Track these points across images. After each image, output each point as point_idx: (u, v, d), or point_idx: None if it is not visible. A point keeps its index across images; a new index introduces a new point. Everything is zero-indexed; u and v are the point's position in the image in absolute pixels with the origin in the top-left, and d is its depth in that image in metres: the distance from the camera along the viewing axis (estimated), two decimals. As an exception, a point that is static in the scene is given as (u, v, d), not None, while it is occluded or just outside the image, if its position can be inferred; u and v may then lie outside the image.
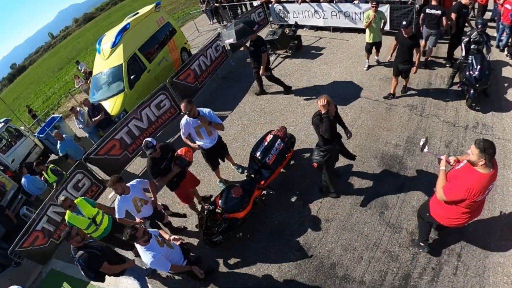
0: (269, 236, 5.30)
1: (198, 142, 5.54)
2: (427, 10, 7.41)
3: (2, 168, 10.16)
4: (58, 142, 8.36)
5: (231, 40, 7.76)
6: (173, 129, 8.73)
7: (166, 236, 4.36)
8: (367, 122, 6.76)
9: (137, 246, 3.98)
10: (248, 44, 7.95)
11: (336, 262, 4.67)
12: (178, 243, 4.38)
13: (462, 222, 3.60)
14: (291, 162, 6.32)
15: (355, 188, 5.57)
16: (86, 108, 8.51)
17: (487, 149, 2.96)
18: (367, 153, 6.10)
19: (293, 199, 5.74)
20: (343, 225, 5.09)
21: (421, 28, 7.92)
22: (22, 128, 12.95)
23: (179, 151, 4.93)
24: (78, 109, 9.41)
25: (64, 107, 18.56)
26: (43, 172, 7.60)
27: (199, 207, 5.94)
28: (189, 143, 5.56)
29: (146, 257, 3.89)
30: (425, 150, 3.92)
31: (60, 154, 8.54)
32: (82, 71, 15.73)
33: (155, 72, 10.37)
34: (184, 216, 6.18)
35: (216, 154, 5.93)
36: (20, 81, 70.51)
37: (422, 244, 4.43)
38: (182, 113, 5.17)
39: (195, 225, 5.89)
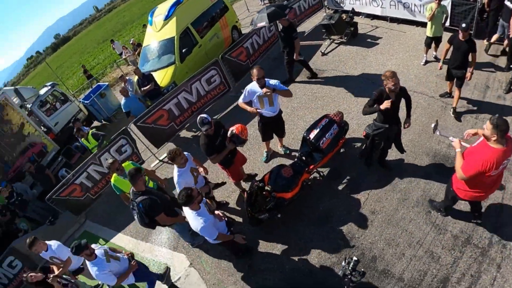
0: (313, 221, 5.28)
1: (258, 109, 5.45)
2: (506, 2, 7.06)
3: (45, 130, 10.59)
4: (123, 98, 8.34)
5: (263, 23, 7.69)
6: (221, 106, 8.81)
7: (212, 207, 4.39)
8: (421, 118, 6.50)
9: (187, 211, 3.88)
10: (279, 29, 8.00)
11: (377, 255, 4.60)
12: (224, 219, 4.39)
13: (479, 196, 3.83)
14: (341, 150, 6.20)
15: (404, 183, 5.41)
16: (136, 77, 8.59)
17: (500, 125, 3.16)
18: (420, 149, 5.90)
19: (340, 187, 5.67)
20: (388, 219, 4.99)
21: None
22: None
23: (234, 129, 4.84)
24: (127, 77, 9.68)
25: (109, 77, 19.09)
26: (83, 139, 7.86)
27: (243, 184, 6.00)
28: (247, 107, 5.49)
29: (196, 222, 3.79)
30: (437, 133, 4.17)
31: (124, 111, 8.62)
32: (127, 47, 16.01)
33: (205, 47, 10.45)
34: (223, 183, 6.29)
35: (273, 126, 5.92)
36: (64, 51, 73.10)
37: (440, 210, 4.77)
38: (252, 78, 5.14)
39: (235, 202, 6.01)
